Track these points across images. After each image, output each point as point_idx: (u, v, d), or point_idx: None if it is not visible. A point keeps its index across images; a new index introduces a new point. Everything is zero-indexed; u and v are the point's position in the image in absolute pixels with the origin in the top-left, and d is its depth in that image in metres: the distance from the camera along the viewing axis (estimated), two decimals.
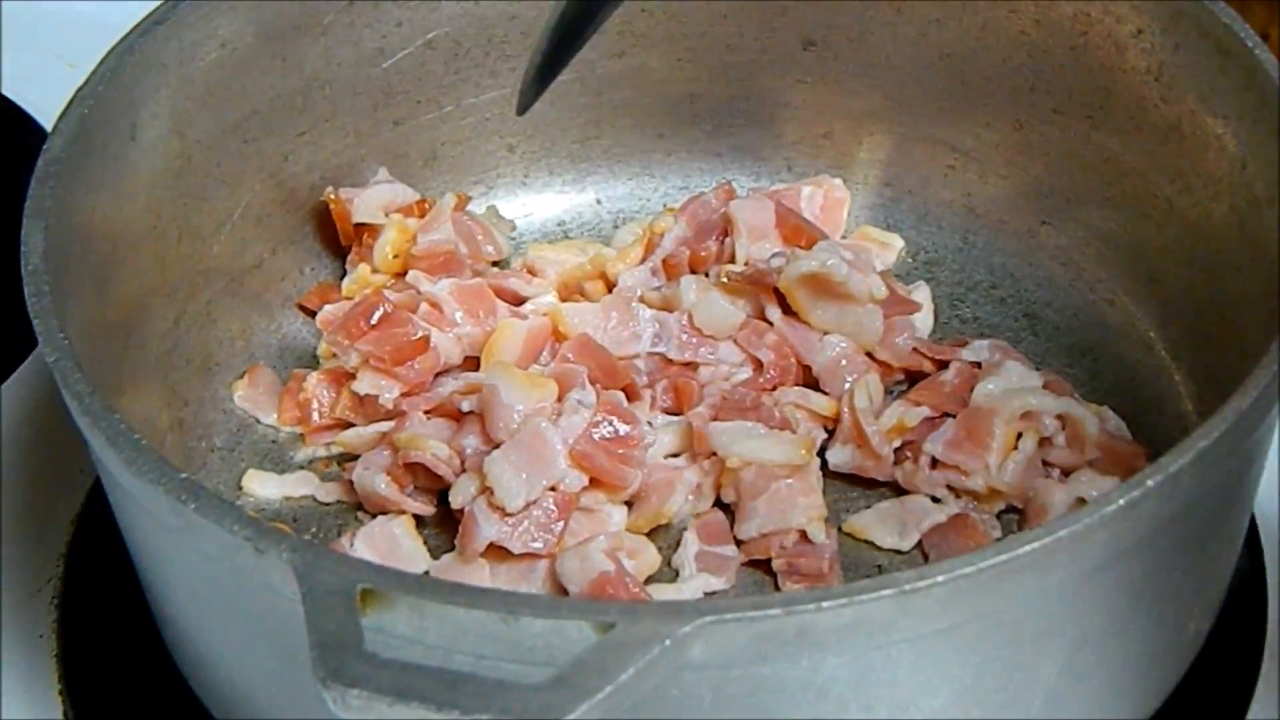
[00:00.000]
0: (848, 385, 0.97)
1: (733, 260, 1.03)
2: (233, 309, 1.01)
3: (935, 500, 0.94)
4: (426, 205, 1.07)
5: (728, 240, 1.04)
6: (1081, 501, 0.91)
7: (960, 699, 0.74)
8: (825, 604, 0.67)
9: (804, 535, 0.92)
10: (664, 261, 1.04)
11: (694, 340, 0.99)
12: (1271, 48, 0.91)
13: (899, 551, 0.93)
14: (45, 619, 0.97)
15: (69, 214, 0.86)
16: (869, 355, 0.99)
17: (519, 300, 1.04)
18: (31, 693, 0.94)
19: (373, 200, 1.05)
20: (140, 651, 0.91)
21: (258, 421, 1.00)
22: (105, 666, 0.94)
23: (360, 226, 1.05)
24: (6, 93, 1.27)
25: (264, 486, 0.98)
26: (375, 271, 1.04)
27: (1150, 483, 0.71)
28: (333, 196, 1.05)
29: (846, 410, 0.96)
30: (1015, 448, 0.94)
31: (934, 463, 0.94)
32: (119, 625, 0.94)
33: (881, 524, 0.94)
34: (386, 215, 1.05)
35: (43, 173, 0.86)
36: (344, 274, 1.07)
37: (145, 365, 0.94)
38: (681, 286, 1.00)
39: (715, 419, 0.96)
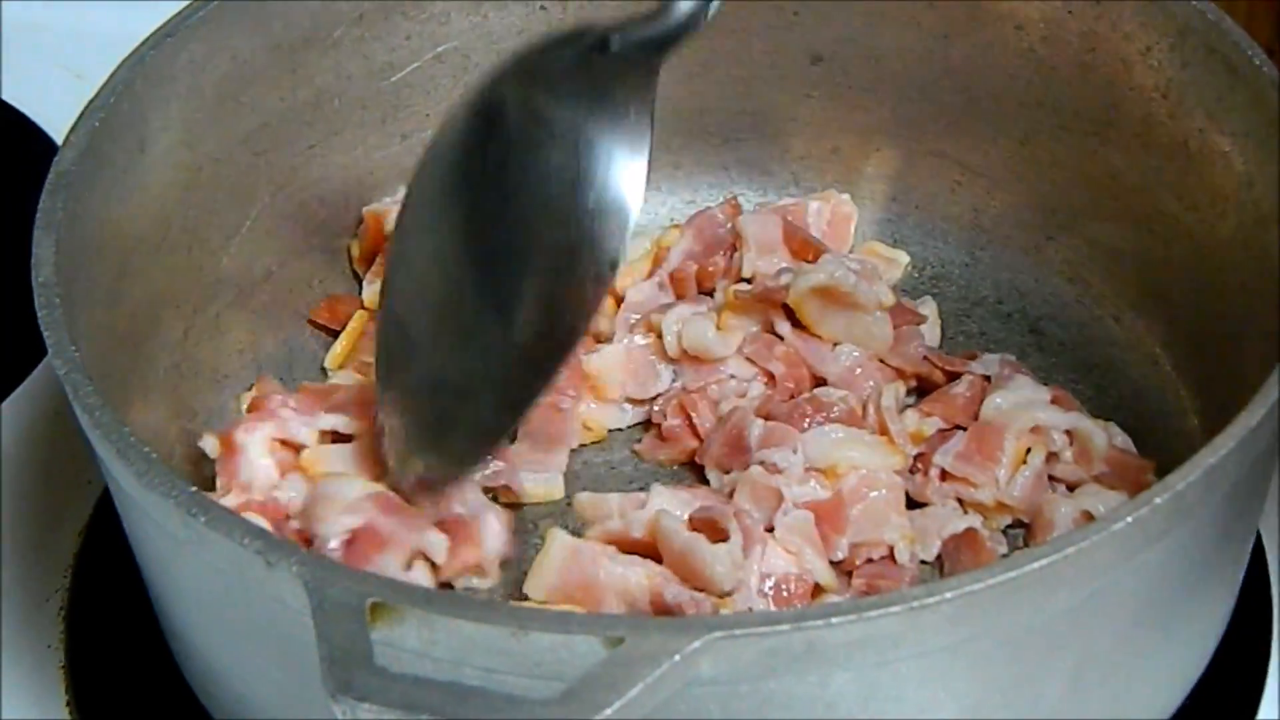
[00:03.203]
0: (868, 390, 0.98)
1: (740, 274, 1.03)
2: (242, 321, 1.01)
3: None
4: None
5: (735, 255, 1.04)
6: (1087, 515, 0.91)
7: (968, 714, 0.74)
8: (834, 620, 0.67)
9: (891, 554, 0.92)
10: (671, 276, 1.04)
11: (704, 368, 1.00)
12: (1277, 63, 0.91)
13: (923, 561, 0.93)
14: (53, 630, 0.97)
15: (79, 226, 0.86)
16: (881, 362, 0.99)
17: None
18: (39, 704, 0.94)
19: None
20: (148, 663, 0.91)
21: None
22: (113, 678, 0.94)
23: (387, 240, 1.04)
24: (16, 105, 1.28)
25: None
26: None
27: (1158, 500, 0.72)
28: (371, 211, 1.05)
29: (873, 409, 0.96)
30: (1024, 462, 0.94)
31: (943, 475, 0.95)
32: (127, 637, 0.94)
33: None
34: None
35: (53, 185, 0.86)
36: (351, 286, 1.07)
37: (154, 377, 0.94)
38: (664, 325, 1.00)
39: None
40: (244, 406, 1.00)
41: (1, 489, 1.03)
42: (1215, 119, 0.94)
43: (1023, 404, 0.95)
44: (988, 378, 0.98)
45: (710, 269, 1.04)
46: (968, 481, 0.94)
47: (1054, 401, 0.96)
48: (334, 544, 0.87)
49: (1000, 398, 0.96)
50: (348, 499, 0.88)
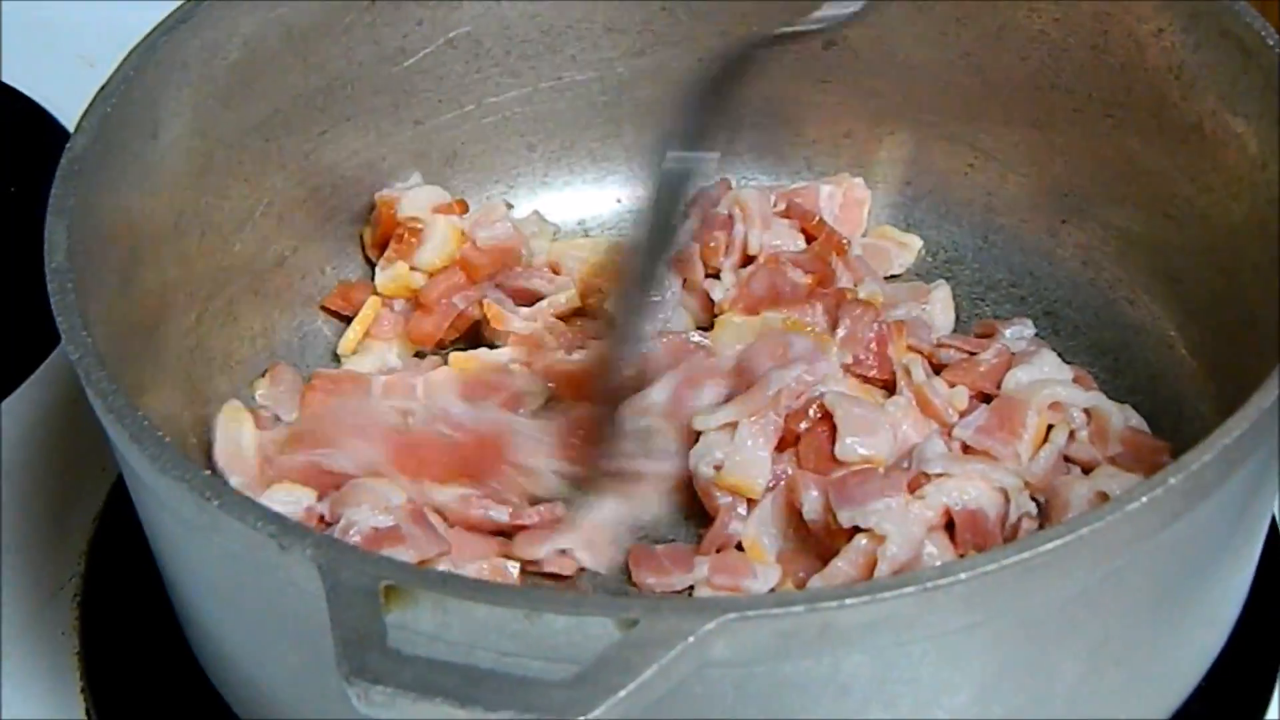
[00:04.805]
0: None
1: (744, 251, 1.04)
2: (254, 307, 1.01)
3: None
4: (458, 206, 1.07)
5: (733, 230, 1.04)
6: (1103, 496, 0.91)
7: (982, 697, 0.74)
8: (848, 601, 0.67)
9: None
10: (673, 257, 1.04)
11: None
12: None
13: None
14: (67, 617, 0.97)
15: (91, 212, 0.86)
16: None
17: (536, 298, 1.04)
18: (53, 691, 0.94)
19: (421, 199, 1.05)
20: (162, 649, 0.91)
21: (279, 419, 1.00)
22: (127, 664, 0.94)
23: (399, 226, 1.05)
24: (28, 93, 1.28)
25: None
26: (414, 269, 1.04)
27: (1173, 480, 0.71)
28: (383, 197, 1.05)
29: (906, 384, 0.96)
30: (1046, 440, 0.94)
31: (964, 448, 0.94)
32: (141, 623, 0.94)
33: None
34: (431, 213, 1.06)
35: (65, 171, 0.86)
36: (363, 272, 1.07)
37: (167, 363, 0.94)
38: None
39: None
40: (256, 393, 1.00)
41: (16, 476, 1.04)
42: (1228, 101, 0.93)
43: (1042, 380, 0.95)
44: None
45: (711, 245, 1.04)
46: (989, 455, 0.93)
47: (1075, 381, 0.96)
48: (354, 535, 0.88)
49: (1023, 373, 0.96)
50: (389, 502, 0.91)
